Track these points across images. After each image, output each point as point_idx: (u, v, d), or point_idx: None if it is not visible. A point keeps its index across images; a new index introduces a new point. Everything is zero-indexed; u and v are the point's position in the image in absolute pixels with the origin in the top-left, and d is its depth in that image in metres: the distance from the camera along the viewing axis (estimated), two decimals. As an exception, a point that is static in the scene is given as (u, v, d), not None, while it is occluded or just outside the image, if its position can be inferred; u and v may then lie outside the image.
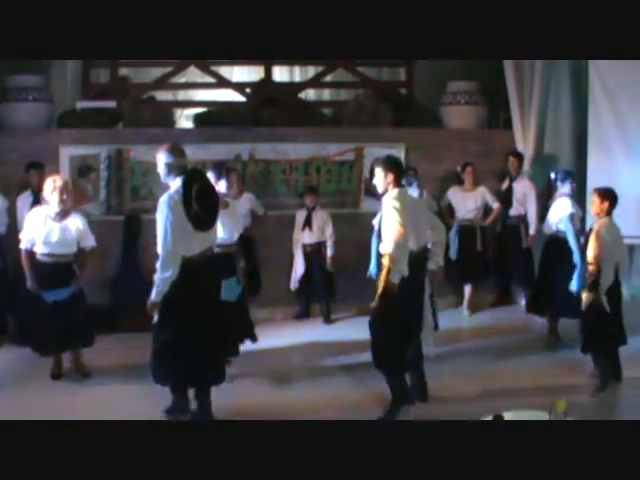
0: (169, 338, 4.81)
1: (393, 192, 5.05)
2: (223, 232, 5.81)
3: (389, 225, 4.91)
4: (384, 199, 5.06)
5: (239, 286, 5.88)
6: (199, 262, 4.82)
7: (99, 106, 8.41)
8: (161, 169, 4.85)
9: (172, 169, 4.80)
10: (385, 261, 4.88)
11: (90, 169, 8.03)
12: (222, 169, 6.27)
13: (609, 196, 5.83)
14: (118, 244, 7.93)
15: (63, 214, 5.91)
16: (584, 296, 5.63)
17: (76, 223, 6.00)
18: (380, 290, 4.89)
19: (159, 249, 4.70)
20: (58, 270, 5.92)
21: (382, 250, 4.93)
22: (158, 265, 4.71)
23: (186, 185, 4.73)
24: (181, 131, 8.84)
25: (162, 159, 4.83)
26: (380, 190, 5.16)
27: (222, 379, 5.04)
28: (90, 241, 6.11)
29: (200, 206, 4.72)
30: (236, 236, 6.17)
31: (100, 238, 7.59)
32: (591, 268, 5.59)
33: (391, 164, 5.15)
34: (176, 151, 4.85)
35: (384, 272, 4.88)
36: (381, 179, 5.12)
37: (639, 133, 8.17)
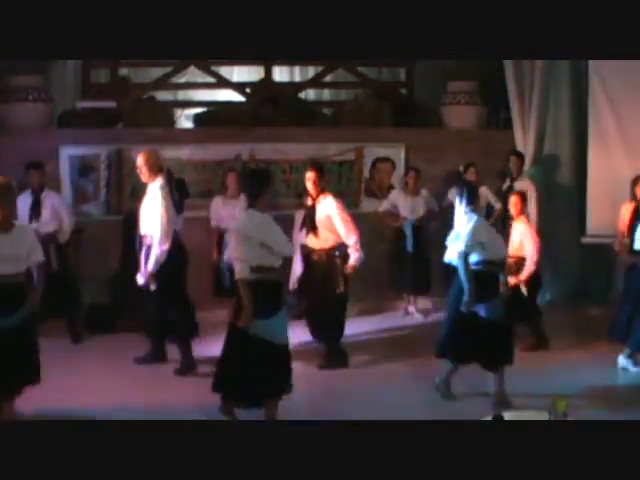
0: (174, 297, 6.07)
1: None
2: (262, 256, 4.73)
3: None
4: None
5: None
6: (178, 237, 6.09)
7: (99, 106, 8.41)
8: (146, 169, 5.98)
9: (157, 168, 6.00)
10: None
11: (90, 169, 8.03)
12: None
13: (526, 198, 7.00)
14: (118, 244, 7.93)
15: (10, 223, 4.78)
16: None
17: (26, 233, 4.94)
18: None
19: (158, 228, 5.84)
20: (5, 294, 4.63)
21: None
22: (158, 241, 5.85)
23: (169, 179, 6.09)
24: (181, 131, 8.84)
25: (149, 160, 5.99)
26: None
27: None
28: (39, 254, 4.91)
29: (179, 195, 6.18)
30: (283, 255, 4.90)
31: (100, 238, 7.62)
32: (535, 267, 6.67)
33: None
34: (158, 154, 6.15)
35: None
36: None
37: (639, 133, 8.18)
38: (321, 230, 6.23)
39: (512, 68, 8.55)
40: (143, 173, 6.03)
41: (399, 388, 5.77)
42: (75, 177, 7.92)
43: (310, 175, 6.27)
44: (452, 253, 5.53)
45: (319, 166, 6.51)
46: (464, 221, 5.46)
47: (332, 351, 6.39)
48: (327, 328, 6.43)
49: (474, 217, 5.43)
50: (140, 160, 6.02)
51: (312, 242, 6.29)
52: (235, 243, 4.80)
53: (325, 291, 6.27)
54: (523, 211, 6.82)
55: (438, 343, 5.61)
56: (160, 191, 5.94)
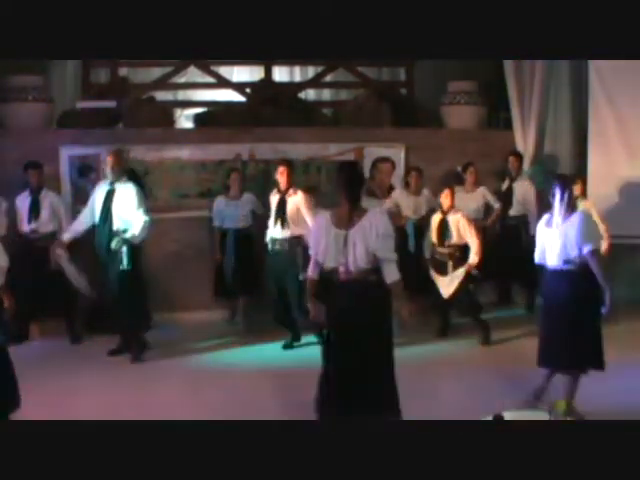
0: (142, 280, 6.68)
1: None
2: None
3: None
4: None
5: None
6: None
7: (99, 106, 8.40)
8: (119, 167, 6.51)
9: (125, 168, 6.64)
10: None
11: (90, 169, 8.03)
12: None
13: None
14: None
15: None
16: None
17: None
18: None
19: (142, 215, 6.41)
20: None
21: None
22: (143, 226, 6.39)
23: (136, 178, 6.87)
24: (181, 131, 8.84)
25: (119, 161, 6.53)
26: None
27: None
28: (4, 260, 4.35)
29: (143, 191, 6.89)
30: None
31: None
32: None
33: None
34: (126, 155, 6.85)
35: None
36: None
37: (639, 133, 8.18)
38: (289, 222, 6.80)
39: (512, 68, 8.56)
40: (115, 172, 6.48)
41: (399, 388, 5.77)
42: (75, 177, 7.92)
43: (283, 169, 6.87)
44: (553, 255, 5.03)
45: (289, 162, 7.13)
46: (573, 219, 4.94)
47: (295, 337, 6.98)
48: (291, 312, 6.85)
49: (582, 212, 5.07)
50: (113, 159, 6.49)
51: (276, 232, 6.83)
52: (388, 245, 4.47)
53: (288, 277, 6.79)
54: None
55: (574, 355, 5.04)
56: (136, 188, 6.52)
